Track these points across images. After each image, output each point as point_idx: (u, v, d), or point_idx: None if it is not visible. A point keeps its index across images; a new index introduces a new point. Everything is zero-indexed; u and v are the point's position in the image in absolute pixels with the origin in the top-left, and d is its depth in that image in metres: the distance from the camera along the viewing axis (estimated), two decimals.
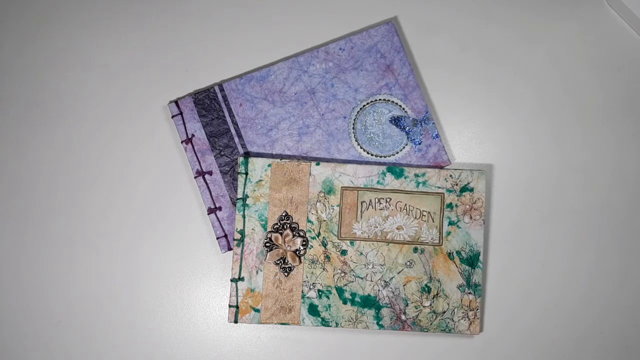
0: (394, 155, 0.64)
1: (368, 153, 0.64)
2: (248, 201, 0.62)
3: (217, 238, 0.64)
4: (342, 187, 0.62)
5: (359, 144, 0.64)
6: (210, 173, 0.64)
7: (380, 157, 0.64)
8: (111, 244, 0.65)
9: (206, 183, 0.64)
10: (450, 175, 0.61)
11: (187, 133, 0.64)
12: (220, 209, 0.64)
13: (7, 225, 0.65)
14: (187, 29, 0.67)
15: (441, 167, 0.63)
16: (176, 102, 0.64)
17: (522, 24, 0.67)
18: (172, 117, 0.64)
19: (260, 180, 0.62)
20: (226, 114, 0.64)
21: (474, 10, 0.67)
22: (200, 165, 0.64)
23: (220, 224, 0.63)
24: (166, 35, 0.67)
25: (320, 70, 0.64)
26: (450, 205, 0.60)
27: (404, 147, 0.64)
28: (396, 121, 0.64)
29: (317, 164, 0.62)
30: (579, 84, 0.66)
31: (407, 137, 0.64)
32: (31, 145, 0.66)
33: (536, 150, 0.65)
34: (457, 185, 0.60)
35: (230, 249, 0.63)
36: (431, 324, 0.60)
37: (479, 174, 0.60)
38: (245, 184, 0.62)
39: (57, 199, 0.65)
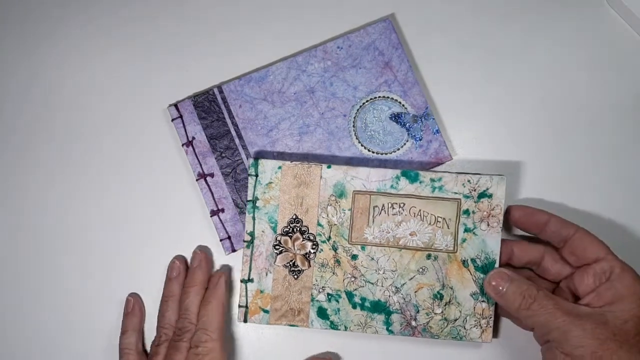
0: (395, 152, 0.63)
1: (369, 151, 0.64)
2: (258, 203, 0.61)
3: (221, 240, 0.63)
4: (354, 190, 0.60)
5: (359, 142, 0.64)
6: (212, 175, 0.64)
7: (382, 154, 0.63)
8: (114, 250, 0.65)
9: (208, 185, 0.64)
10: (469, 181, 0.59)
11: (187, 136, 0.64)
12: (222, 210, 0.64)
13: (7, 233, 0.65)
14: (183, 32, 0.66)
15: (442, 162, 0.63)
16: (175, 105, 0.64)
17: (521, 23, 0.66)
18: (172, 120, 0.64)
19: (270, 183, 0.61)
20: (226, 115, 0.64)
21: (472, 7, 0.66)
22: (202, 168, 0.64)
23: (223, 225, 0.63)
24: (163, 38, 0.66)
25: (318, 70, 0.64)
26: (467, 212, 0.59)
27: (405, 144, 0.63)
28: (396, 118, 0.64)
29: (329, 167, 0.60)
30: (578, 84, 0.65)
31: (408, 134, 0.64)
32: (30, 150, 0.65)
33: (536, 149, 0.65)
34: (474, 191, 0.59)
35: (234, 250, 0.63)
36: (442, 331, 0.59)
37: (499, 180, 0.59)
38: (255, 186, 0.61)
39: (57, 205, 0.65)
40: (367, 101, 0.64)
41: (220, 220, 0.64)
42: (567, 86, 0.65)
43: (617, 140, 0.64)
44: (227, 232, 0.64)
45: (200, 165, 0.64)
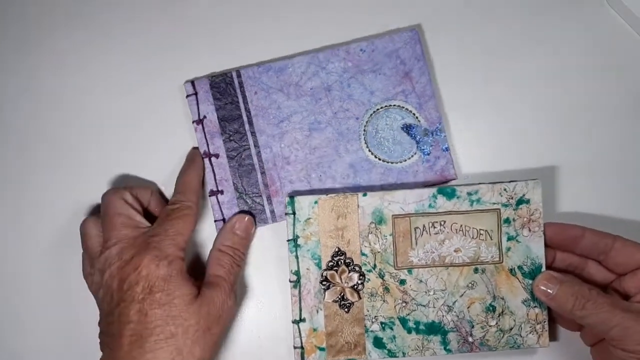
0: (401, 162, 0.63)
1: (375, 157, 0.63)
2: (299, 241, 0.60)
3: (215, 221, 0.63)
4: (392, 215, 0.60)
5: (367, 147, 0.63)
6: (217, 156, 0.63)
7: (388, 162, 0.63)
8: None
9: (212, 165, 0.63)
10: (505, 189, 0.59)
11: (199, 114, 0.63)
12: (222, 192, 0.63)
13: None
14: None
15: (446, 181, 0.63)
16: (192, 82, 0.64)
17: (521, 26, 0.66)
18: (187, 96, 0.63)
19: (309, 219, 0.60)
20: (240, 100, 0.63)
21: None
22: (208, 147, 0.63)
23: (220, 207, 0.63)
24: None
25: (338, 69, 0.64)
26: (507, 221, 0.59)
27: (412, 156, 0.63)
28: (408, 129, 0.63)
29: (364, 195, 0.60)
30: (577, 84, 0.66)
31: (417, 147, 0.63)
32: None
33: (539, 154, 0.65)
34: (512, 198, 0.59)
35: None
36: (499, 342, 0.60)
37: (534, 184, 0.59)
38: (294, 225, 0.60)
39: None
40: (381, 107, 0.64)
41: (218, 201, 0.63)
42: (566, 87, 0.66)
43: (617, 140, 0.65)
44: (222, 214, 0.63)
45: (208, 144, 0.63)
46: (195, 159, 0.61)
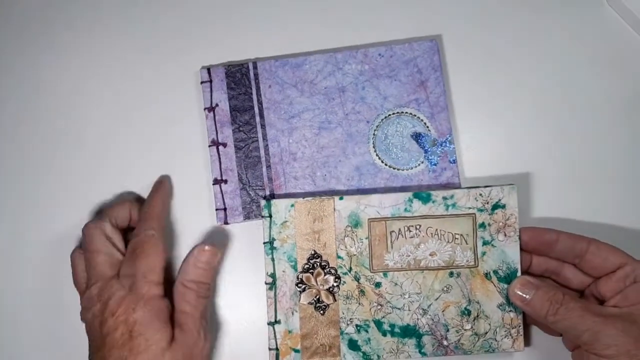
0: (407, 170, 0.63)
1: (382, 162, 0.64)
2: (275, 244, 0.60)
3: (216, 210, 0.63)
4: (368, 219, 0.60)
5: (375, 151, 0.64)
6: (224, 145, 0.64)
7: (394, 168, 0.64)
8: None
9: (218, 154, 0.64)
10: (480, 194, 0.59)
11: (211, 101, 0.64)
12: (225, 182, 0.64)
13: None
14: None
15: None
16: (208, 69, 0.64)
17: (517, 29, 0.66)
18: (201, 82, 0.64)
19: (285, 222, 0.60)
20: (254, 92, 0.64)
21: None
22: (217, 136, 0.64)
23: (222, 196, 0.63)
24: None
25: (355, 71, 0.64)
26: (482, 225, 0.59)
27: (419, 165, 0.63)
28: (417, 137, 0.64)
29: (341, 199, 0.60)
30: (578, 85, 0.65)
31: (425, 156, 0.63)
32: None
33: (538, 155, 0.65)
34: (487, 203, 0.59)
35: (226, 222, 0.63)
36: (474, 346, 0.60)
37: (510, 189, 0.59)
38: (270, 227, 0.60)
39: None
40: (393, 113, 0.64)
41: (221, 190, 0.63)
42: (566, 87, 0.66)
43: (617, 140, 0.65)
44: (224, 204, 0.63)
45: (217, 132, 0.63)
46: (162, 185, 0.61)
